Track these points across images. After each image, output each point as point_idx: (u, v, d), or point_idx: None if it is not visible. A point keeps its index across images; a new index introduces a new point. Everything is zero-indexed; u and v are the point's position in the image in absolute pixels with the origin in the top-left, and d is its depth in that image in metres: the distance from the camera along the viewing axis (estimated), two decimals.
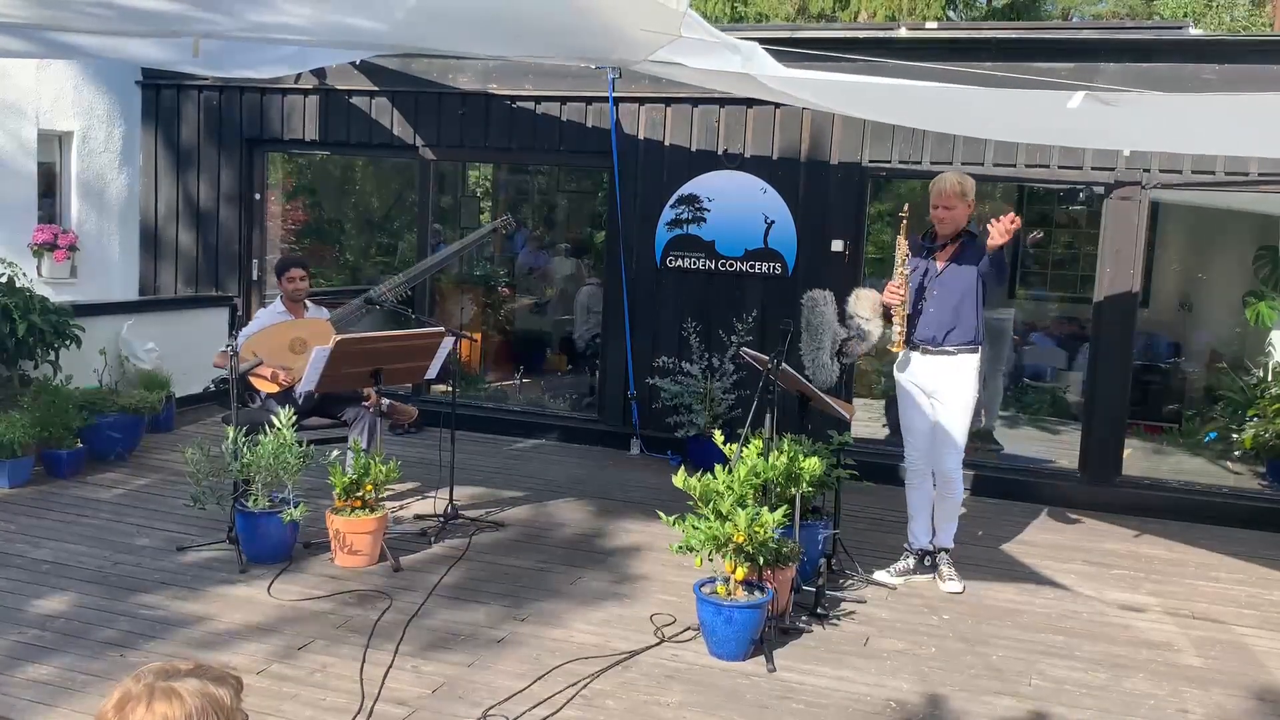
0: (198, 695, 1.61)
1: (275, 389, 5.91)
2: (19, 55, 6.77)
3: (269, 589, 4.79)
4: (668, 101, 7.36)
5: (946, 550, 5.33)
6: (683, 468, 4.54)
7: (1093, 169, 6.68)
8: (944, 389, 5.18)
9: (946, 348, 5.14)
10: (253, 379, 5.82)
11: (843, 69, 5.21)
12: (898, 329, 5.19)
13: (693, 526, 4.27)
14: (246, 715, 1.69)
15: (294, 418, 5.26)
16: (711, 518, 4.25)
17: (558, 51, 6.02)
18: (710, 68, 4.53)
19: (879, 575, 5.30)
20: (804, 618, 4.69)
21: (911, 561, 5.36)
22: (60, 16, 4.50)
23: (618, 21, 4.12)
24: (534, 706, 3.77)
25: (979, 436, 8.06)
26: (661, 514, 4.46)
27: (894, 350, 5.27)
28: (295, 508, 5.05)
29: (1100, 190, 6.85)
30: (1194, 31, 7.44)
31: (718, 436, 4.60)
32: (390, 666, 4.05)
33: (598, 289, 9.56)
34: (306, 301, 6.28)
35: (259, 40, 5.55)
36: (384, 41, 6.03)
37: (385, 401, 6.09)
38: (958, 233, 5.17)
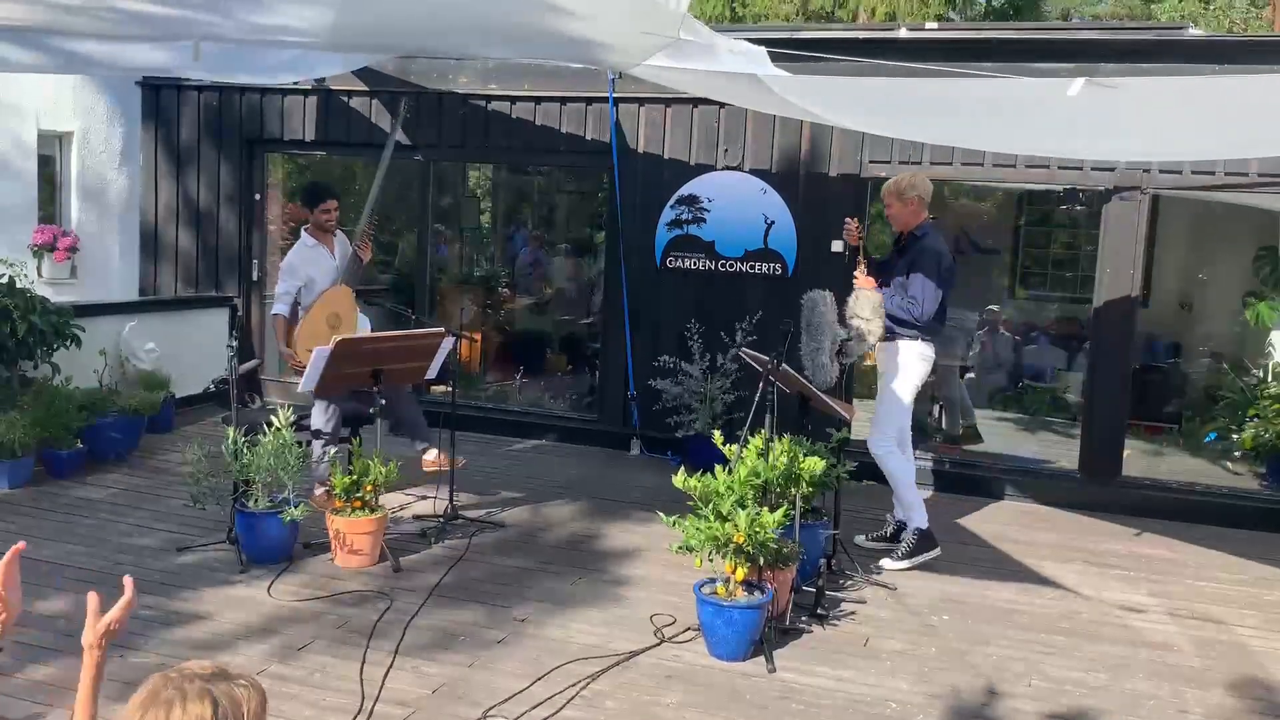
0: (227, 698, 1.63)
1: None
2: (27, 70, 6.71)
3: (269, 589, 4.79)
4: (667, 102, 7.36)
5: (918, 529, 5.49)
6: (683, 468, 4.54)
7: (1092, 169, 6.68)
8: (885, 372, 5.57)
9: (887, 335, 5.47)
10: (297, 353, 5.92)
11: (843, 69, 5.22)
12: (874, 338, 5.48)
13: (693, 527, 4.26)
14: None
15: (293, 418, 5.27)
16: (711, 518, 4.25)
17: (555, 55, 6.03)
18: (709, 68, 4.52)
19: (884, 562, 5.44)
20: (804, 618, 4.69)
21: (889, 531, 5.72)
22: (66, 21, 4.51)
23: (616, 25, 4.13)
24: (534, 707, 3.77)
25: (950, 440, 8.10)
26: (662, 514, 4.46)
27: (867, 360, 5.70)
28: (295, 508, 5.05)
29: (1100, 189, 6.84)
30: (1194, 32, 7.44)
31: (717, 437, 4.60)
32: (390, 667, 4.05)
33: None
34: (337, 230, 6.32)
35: (259, 43, 5.55)
36: (383, 44, 6.03)
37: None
38: (910, 233, 5.56)
